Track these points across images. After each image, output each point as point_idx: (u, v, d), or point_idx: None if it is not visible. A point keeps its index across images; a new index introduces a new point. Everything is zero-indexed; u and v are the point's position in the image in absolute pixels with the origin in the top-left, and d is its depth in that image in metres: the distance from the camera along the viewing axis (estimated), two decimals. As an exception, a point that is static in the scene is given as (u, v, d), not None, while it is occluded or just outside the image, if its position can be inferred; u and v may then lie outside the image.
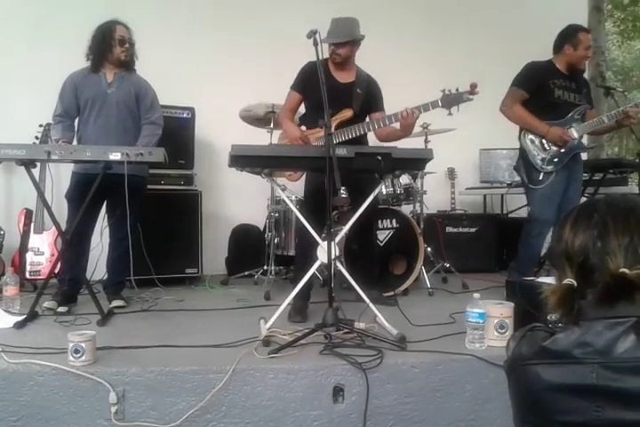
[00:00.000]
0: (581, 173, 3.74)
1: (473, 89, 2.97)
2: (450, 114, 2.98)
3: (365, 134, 3.33)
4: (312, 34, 2.59)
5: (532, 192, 3.61)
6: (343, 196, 3.59)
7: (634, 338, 0.91)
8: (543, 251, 3.98)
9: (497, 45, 5.27)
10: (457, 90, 2.98)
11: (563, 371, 0.95)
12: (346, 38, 3.20)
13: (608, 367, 0.90)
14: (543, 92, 3.55)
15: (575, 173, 3.65)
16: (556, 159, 3.54)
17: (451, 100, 2.97)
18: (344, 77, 3.32)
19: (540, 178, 3.54)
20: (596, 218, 1.00)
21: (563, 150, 3.53)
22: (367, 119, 3.33)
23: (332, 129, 3.01)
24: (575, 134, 3.54)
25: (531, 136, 3.60)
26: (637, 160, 3.96)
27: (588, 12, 6.95)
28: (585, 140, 3.70)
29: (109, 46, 3.32)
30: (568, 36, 3.61)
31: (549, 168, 3.54)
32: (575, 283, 0.98)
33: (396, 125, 3.17)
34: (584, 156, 4.01)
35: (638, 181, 4.02)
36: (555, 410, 0.94)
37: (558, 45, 3.64)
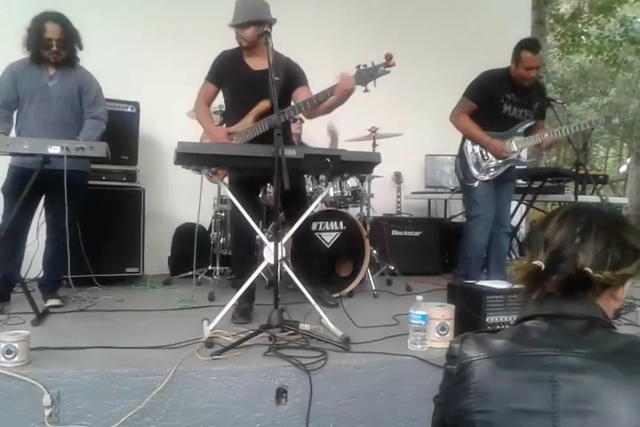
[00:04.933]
0: (513, 180, 3.86)
1: (388, 60, 2.62)
2: (366, 90, 2.67)
3: (287, 122, 3.08)
4: None
5: (471, 190, 3.72)
6: (270, 194, 3.61)
7: (594, 332, 1.00)
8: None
9: (440, 58, 5.37)
10: (373, 64, 2.66)
11: (516, 361, 1.00)
12: (247, 19, 2.98)
13: (563, 357, 0.96)
14: (492, 105, 3.63)
15: (505, 180, 3.77)
16: (492, 170, 3.68)
17: (365, 76, 2.66)
18: (257, 64, 3.04)
19: (477, 176, 3.68)
20: (584, 218, 1.08)
21: (500, 161, 3.66)
22: (292, 103, 2.98)
23: (252, 123, 2.92)
24: (515, 147, 3.66)
25: (472, 145, 3.72)
26: (574, 170, 4.13)
27: (531, 26, 7.22)
28: (524, 154, 3.83)
29: (41, 47, 3.14)
30: (514, 50, 3.58)
31: (484, 177, 3.67)
32: (543, 266, 1.05)
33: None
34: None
35: (574, 189, 4.21)
36: (511, 398, 0.97)
37: (512, 57, 3.60)
